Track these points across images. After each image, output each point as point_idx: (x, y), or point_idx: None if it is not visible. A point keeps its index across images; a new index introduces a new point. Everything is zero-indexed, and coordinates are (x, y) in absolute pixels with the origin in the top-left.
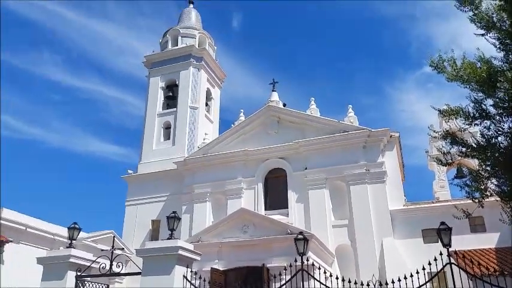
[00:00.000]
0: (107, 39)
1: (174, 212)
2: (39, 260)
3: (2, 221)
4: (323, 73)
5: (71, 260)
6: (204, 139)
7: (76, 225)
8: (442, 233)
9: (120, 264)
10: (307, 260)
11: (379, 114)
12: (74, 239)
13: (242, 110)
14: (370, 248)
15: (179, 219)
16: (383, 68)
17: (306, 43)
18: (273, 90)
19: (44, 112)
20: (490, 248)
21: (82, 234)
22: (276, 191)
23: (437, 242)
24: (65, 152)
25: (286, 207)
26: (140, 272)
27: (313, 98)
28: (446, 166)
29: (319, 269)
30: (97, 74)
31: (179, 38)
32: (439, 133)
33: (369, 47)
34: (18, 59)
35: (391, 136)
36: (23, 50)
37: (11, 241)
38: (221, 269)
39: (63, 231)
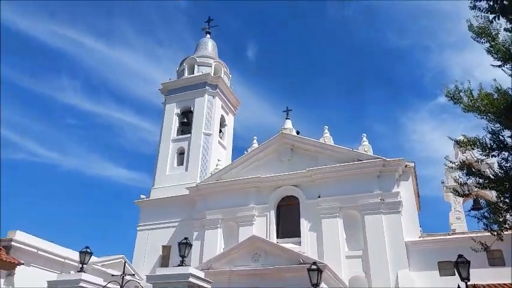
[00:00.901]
0: (126, 67)
1: (185, 238)
2: (50, 284)
3: (14, 243)
4: (337, 102)
5: (81, 284)
6: (217, 165)
7: (88, 250)
8: (459, 266)
9: None
10: None
11: (393, 143)
12: (85, 263)
13: (255, 137)
14: (384, 280)
15: (191, 245)
16: (397, 97)
17: (320, 72)
18: (286, 118)
19: (60, 136)
20: (511, 284)
21: (92, 259)
22: (288, 218)
23: (454, 274)
24: (79, 176)
25: (299, 235)
26: None
27: (327, 126)
28: (463, 197)
29: None
30: (114, 100)
31: (195, 66)
32: (455, 164)
33: (383, 77)
34: (38, 85)
35: (406, 166)
36: (43, 75)
37: (22, 264)
38: None
39: (74, 255)
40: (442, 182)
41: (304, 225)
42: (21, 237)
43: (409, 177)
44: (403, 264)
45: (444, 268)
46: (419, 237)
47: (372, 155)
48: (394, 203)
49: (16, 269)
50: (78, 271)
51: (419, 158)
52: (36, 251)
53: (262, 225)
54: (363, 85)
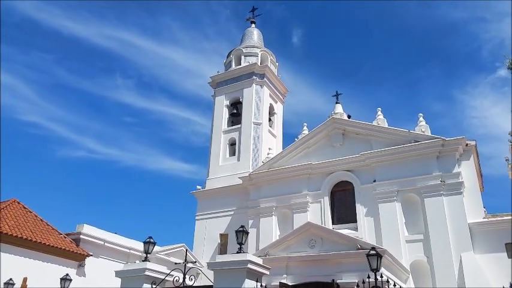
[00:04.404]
0: (175, 63)
1: (242, 226)
2: (118, 273)
3: (82, 236)
4: (389, 83)
5: (147, 273)
6: (268, 154)
7: (151, 240)
8: None
9: (192, 277)
10: (381, 277)
11: (451, 121)
12: (149, 253)
13: (305, 124)
14: (448, 263)
15: (247, 233)
16: (453, 73)
17: (370, 53)
18: (336, 102)
19: (118, 133)
20: None
21: (155, 248)
22: (343, 204)
23: None
24: (138, 170)
25: (355, 221)
26: (212, 285)
27: (380, 108)
28: None
29: (394, 286)
30: (166, 96)
31: (242, 57)
32: None
33: (436, 53)
34: (94, 86)
35: (467, 145)
36: (98, 76)
37: (91, 255)
38: (290, 283)
39: (137, 245)
40: (507, 160)
41: (360, 210)
42: (88, 230)
43: (470, 156)
44: (467, 247)
45: None
46: (484, 218)
47: (430, 135)
48: (455, 184)
49: (86, 260)
50: (143, 260)
51: (480, 135)
52: (103, 243)
53: (317, 212)
54: (415, 63)
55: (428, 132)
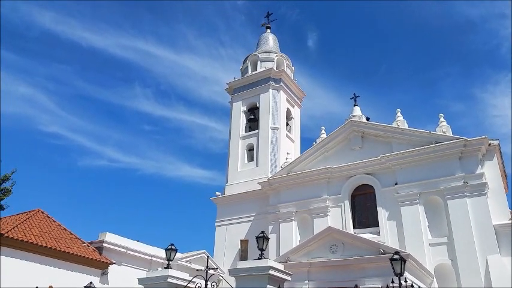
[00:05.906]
0: (192, 70)
1: (262, 232)
2: (140, 281)
3: (105, 244)
4: (407, 83)
5: (169, 280)
6: (286, 158)
7: (173, 247)
8: None
9: (214, 283)
10: (405, 281)
11: (472, 121)
12: (171, 260)
13: (323, 127)
14: (473, 266)
15: (268, 239)
16: (472, 72)
17: (386, 54)
18: (354, 105)
19: (138, 142)
20: None
21: (177, 255)
22: (364, 208)
23: None
24: (158, 178)
25: (377, 225)
26: None
27: (399, 109)
28: None
29: None
30: (183, 104)
31: (258, 62)
32: None
33: (454, 51)
34: (113, 95)
35: (489, 144)
36: (117, 86)
37: (114, 263)
38: None
39: (159, 252)
40: None
41: (382, 214)
42: (111, 238)
43: (493, 156)
44: (493, 249)
45: None
46: (510, 219)
47: (452, 135)
48: (479, 185)
49: (109, 268)
50: (165, 267)
51: (503, 135)
52: (125, 250)
53: (337, 216)
54: (433, 63)
55: (449, 133)
